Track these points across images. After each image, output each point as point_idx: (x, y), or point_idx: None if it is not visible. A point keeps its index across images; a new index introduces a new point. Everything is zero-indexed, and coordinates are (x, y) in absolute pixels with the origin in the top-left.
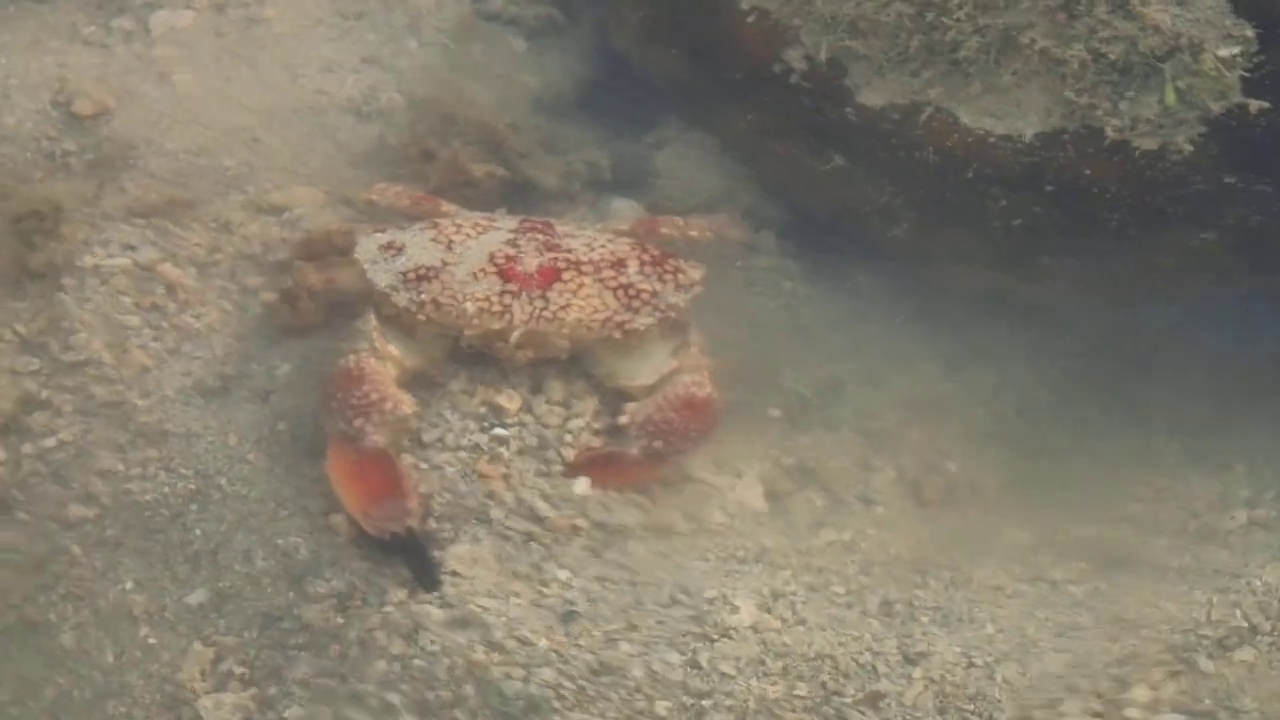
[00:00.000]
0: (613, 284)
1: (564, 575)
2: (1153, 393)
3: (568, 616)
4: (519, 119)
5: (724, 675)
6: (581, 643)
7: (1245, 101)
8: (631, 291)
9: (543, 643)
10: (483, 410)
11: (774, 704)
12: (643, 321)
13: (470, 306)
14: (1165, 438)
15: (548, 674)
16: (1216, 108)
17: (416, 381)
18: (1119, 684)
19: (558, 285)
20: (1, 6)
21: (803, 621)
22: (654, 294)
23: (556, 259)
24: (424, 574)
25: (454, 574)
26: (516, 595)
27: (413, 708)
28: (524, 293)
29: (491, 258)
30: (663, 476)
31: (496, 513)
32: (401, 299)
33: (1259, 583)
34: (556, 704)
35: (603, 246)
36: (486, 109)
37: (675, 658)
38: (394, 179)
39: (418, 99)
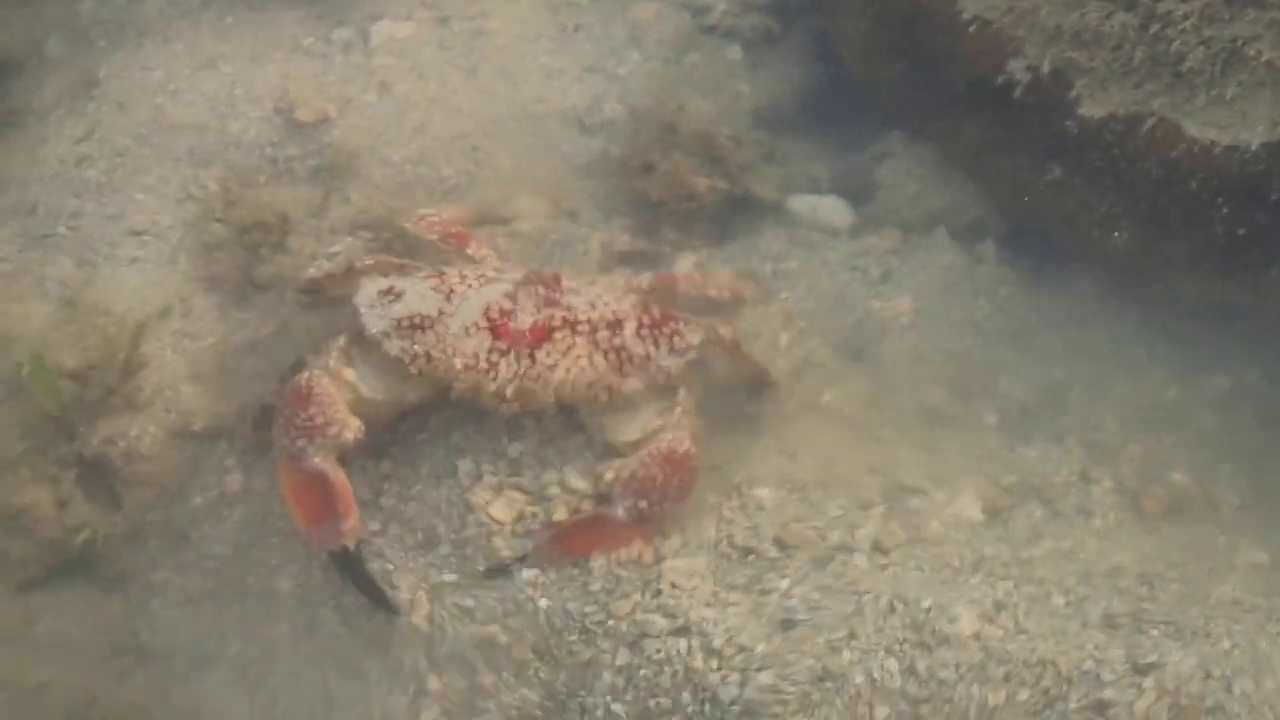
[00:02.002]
0: (605, 345)
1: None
2: None
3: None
4: (738, 131)
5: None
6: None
7: None
8: (625, 355)
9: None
10: None
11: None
12: (630, 386)
13: (458, 362)
14: None
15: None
16: None
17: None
18: None
19: (547, 345)
20: (219, 18)
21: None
22: (646, 358)
23: (552, 316)
24: (369, 591)
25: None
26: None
27: None
28: (512, 351)
29: (485, 312)
30: (648, 539)
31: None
32: (394, 347)
33: None
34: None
35: (605, 305)
36: (706, 120)
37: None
38: (615, 190)
39: (638, 110)
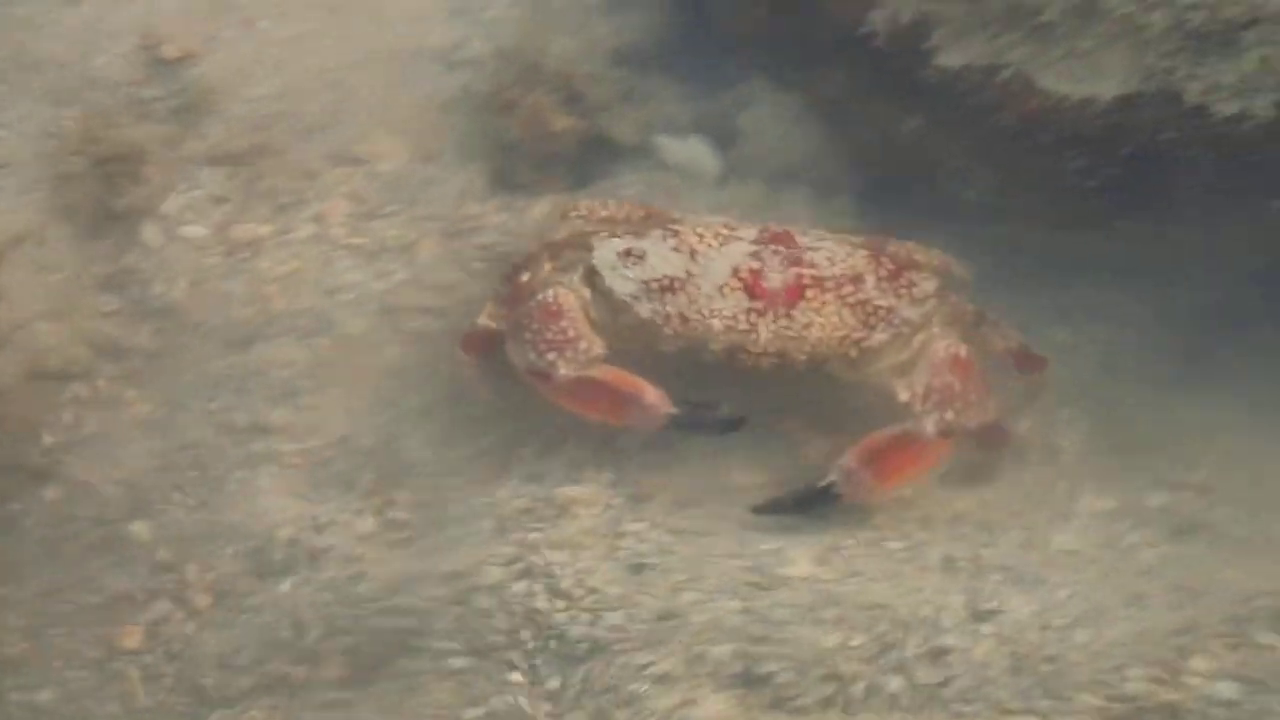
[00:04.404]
0: (851, 300)
1: None
2: (1226, 356)
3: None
4: (598, 70)
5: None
6: None
7: None
8: (869, 308)
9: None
10: None
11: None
12: (878, 338)
13: (717, 324)
14: (1235, 402)
15: None
16: None
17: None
18: (1179, 652)
19: (802, 304)
20: None
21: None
22: (890, 310)
23: (801, 275)
24: (719, 428)
25: None
26: None
27: None
28: (770, 310)
29: (736, 272)
30: (950, 459)
31: None
32: (645, 310)
33: None
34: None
35: (843, 261)
36: (568, 59)
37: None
38: (475, 130)
39: (502, 50)
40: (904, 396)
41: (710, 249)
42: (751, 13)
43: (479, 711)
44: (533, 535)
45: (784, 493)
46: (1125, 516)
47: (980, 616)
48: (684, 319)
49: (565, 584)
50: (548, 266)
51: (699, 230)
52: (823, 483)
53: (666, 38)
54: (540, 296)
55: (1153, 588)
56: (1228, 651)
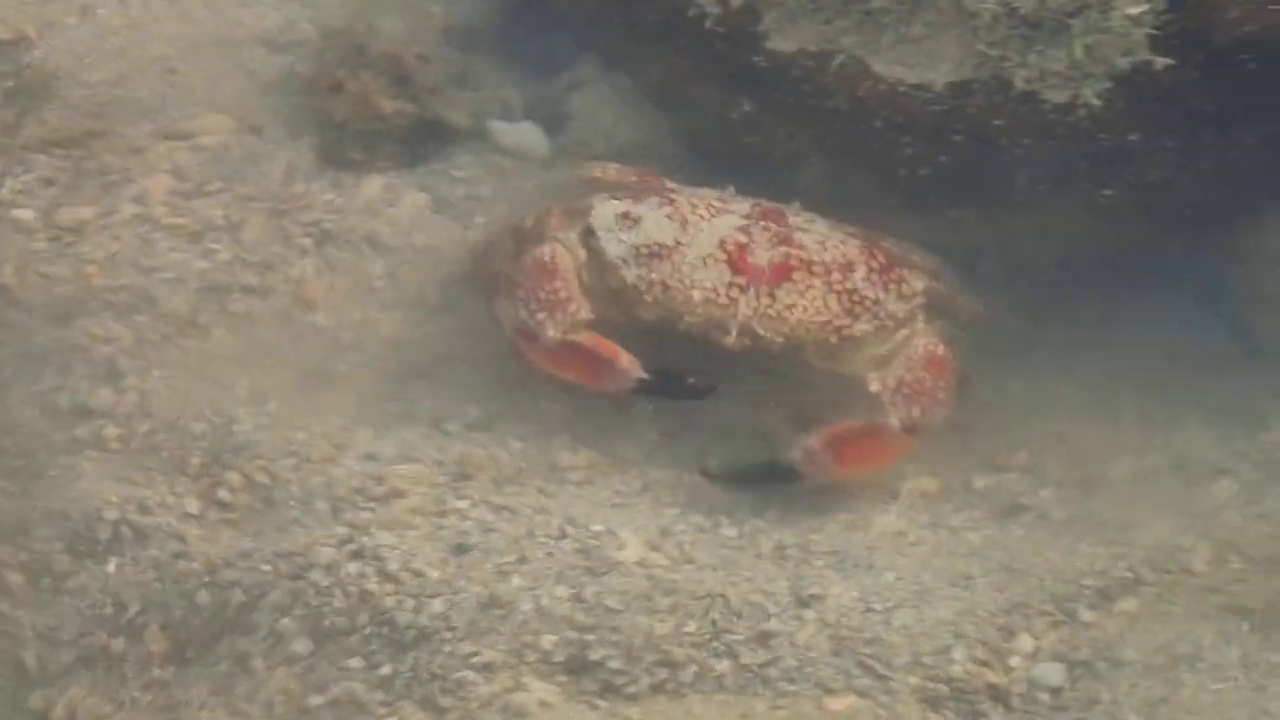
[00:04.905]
0: (838, 287)
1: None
2: (1055, 341)
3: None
4: (429, 51)
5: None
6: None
7: (1151, 59)
8: (855, 297)
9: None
10: None
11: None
12: (860, 329)
13: (697, 294)
14: (1060, 385)
15: None
16: (1123, 64)
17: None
18: (1005, 633)
19: (786, 284)
20: None
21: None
22: (875, 302)
23: (789, 255)
24: (685, 393)
25: None
26: None
27: None
28: (752, 287)
29: (722, 244)
30: (913, 450)
31: None
32: (630, 274)
33: (1144, 535)
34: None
35: (835, 246)
36: (397, 41)
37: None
38: (303, 109)
39: (330, 30)
40: (874, 387)
41: (701, 219)
42: None
43: (321, 699)
44: (364, 515)
45: (744, 463)
46: (950, 498)
47: (804, 602)
48: (665, 286)
49: (392, 566)
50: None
51: (693, 200)
52: (785, 459)
53: (499, 20)
54: (536, 252)
55: (978, 569)
56: (1051, 630)
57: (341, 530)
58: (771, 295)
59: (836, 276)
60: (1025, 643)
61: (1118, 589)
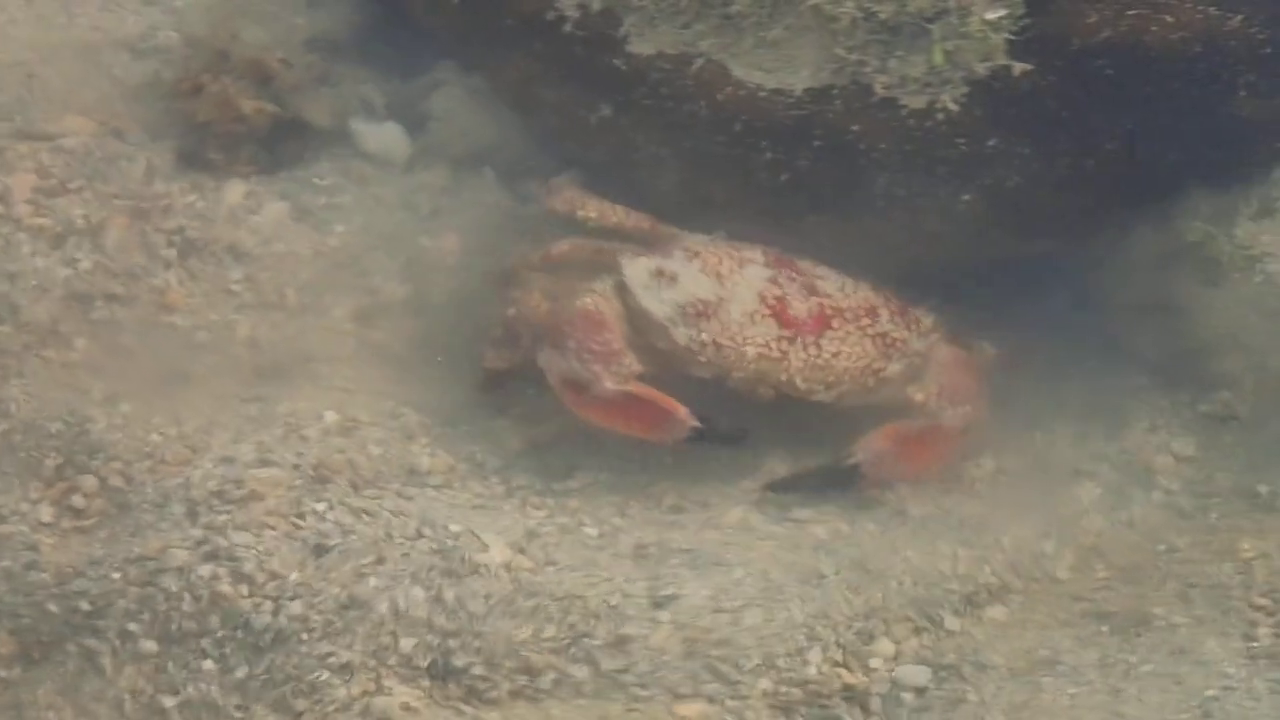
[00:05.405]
0: (870, 331)
1: None
2: None
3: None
4: (291, 56)
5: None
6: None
7: (1010, 64)
8: (887, 339)
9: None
10: None
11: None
12: (894, 369)
13: (750, 351)
14: None
15: None
16: (981, 69)
17: None
18: (863, 636)
19: (829, 333)
20: None
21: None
22: (904, 341)
23: (822, 305)
24: (729, 441)
25: None
26: None
27: None
28: (799, 339)
29: (762, 298)
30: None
31: None
32: (681, 335)
33: (1007, 538)
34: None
35: (854, 292)
36: (260, 48)
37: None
38: (164, 112)
39: (193, 38)
40: (919, 397)
41: (733, 272)
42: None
43: (173, 701)
44: (221, 518)
45: (802, 470)
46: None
47: (659, 603)
48: (718, 346)
49: (248, 568)
50: (546, 283)
51: (714, 251)
52: (848, 462)
53: (361, 25)
54: (580, 304)
55: (829, 566)
56: (913, 636)
57: (197, 533)
58: (817, 345)
59: (865, 321)
60: (886, 646)
61: (985, 596)
